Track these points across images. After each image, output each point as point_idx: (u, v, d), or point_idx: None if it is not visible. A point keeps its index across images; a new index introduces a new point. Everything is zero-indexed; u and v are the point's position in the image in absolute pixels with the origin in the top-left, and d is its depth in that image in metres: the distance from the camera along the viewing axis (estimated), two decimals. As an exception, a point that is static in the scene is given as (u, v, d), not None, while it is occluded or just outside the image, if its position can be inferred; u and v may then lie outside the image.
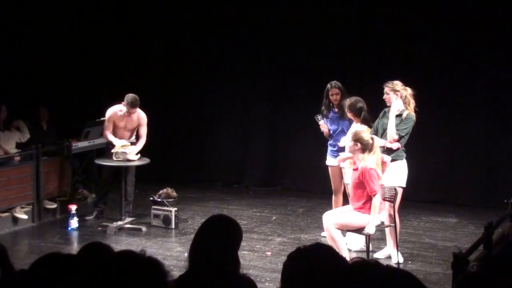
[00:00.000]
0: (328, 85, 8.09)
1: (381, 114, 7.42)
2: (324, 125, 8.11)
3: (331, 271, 2.54)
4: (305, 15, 10.49)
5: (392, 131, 7.15)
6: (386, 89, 7.25)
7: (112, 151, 8.55)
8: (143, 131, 8.78)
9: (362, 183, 6.63)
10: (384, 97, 7.30)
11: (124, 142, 8.60)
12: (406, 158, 7.33)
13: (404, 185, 7.21)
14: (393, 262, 7.14)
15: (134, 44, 11.41)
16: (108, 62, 11.29)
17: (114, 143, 8.57)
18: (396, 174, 7.16)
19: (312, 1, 10.54)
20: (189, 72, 11.29)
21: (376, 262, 2.21)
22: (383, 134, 7.26)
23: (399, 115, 7.21)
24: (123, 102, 8.53)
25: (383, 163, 6.98)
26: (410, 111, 7.20)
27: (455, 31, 9.73)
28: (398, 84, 7.23)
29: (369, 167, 6.59)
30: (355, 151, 6.72)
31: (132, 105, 8.49)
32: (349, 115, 7.58)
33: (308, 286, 2.57)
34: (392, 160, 7.15)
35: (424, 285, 2.18)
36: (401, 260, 7.23)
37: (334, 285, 2.42)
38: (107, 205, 9.16)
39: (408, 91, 7.25)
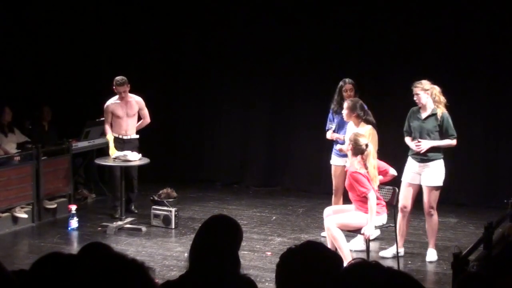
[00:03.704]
0: (342, 82, 8.04)
1: (409, 114, 7.36)
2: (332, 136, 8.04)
3: (324, 267, 2.56)
4: (305, 15, 10.49)
5: (447, 142, 7.16)
6: (415, 90, 7.13)
7: (112, 156, 8.54)
8: (145, 113, 8.98)
9: (353, 186, 6.69)
10: (414, 98, 7.19)
11: (120, 155, 8.55)
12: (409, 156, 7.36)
13: (442, 184, 7.25)
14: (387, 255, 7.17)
15: (134, 44, 11.41)
16: (108, 62, 11.29)
17: (108, 137, 8.73)
18: (435, 173, 7.19)
19: (312, 1, 10.54)
20: (189, 72, 11.29)
21: (376, 263, 2.21)
22: (420, 135, 7.22)
23: (432, 115, 7.18)
24: (113, 87, 8.70)
25: (385, 172, 6.97)
26: (442, 110, 7.17)
27: (455, 31, 9.73)
28: (427, 83, 7.19)
29: (352, 171, 6.65)
30: (347, 150, 6.82)
31: (119, 84, 8.63)
32: (351, 116, 7.51)
33: (302, 284, 2.58)
34: (431, 160, 7.16)
35: (424, 286, 2.19)
36: (433, 259, 7.37)
37: (328, 280, 2.43)
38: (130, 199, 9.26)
39: (437, 89, 7.22)
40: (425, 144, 7.11)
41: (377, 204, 6.68)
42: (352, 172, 6.63)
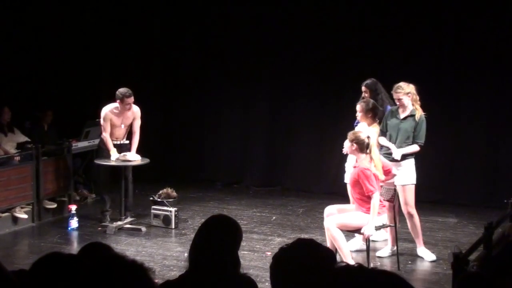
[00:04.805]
0: None
1: (387, 113, 7.40)
2: None
3: (317, 264, 2.58)
4: (305, 15, 10.50)
5: (414, 148, 7.19)
6: (398, 95, 7.18)
7: (112, 159, 8.49)
8: (137, 125, 8.71)
9: (358, 182, 6.67)
10: (397, 103, 7.25)
11: (120, 155, 8.50)
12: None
13: (415, 182, 7.28)
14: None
15: (134, 44, 11.41)
16: (108, 62, 11.30)
17: (111, 153, 8.51)
18: (407, 171, 7.21)
19: (312, 1, 10.54)
20: (189, 72, 11.29)
21: (360, 266, 2.21)
22: (397, 134, 7.24)
23: (411, 116, 7.20)
24: (117, 100, 8.45)
25: (388, 172, 6.97)
26: (420, 112, 7.19)
27: (456, 31, 9.73)
28: (406, 86, 7.20)
29: (363, 167, 6.63)
30: (353, 151, 6.78)
31: (129, 96, 8.40)
32: (367, 117, 7.49)
33: (297, 283, 2.58)
34: (403, 159, 7.18)
35: (412, 285, 2.19)
36: (433, 258, 7.38)
37: (322, 276, 2.43)
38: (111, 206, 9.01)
39: (413, 87, 7.25)
40: (398, 154, 7.15)
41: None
42: (364, 169, 6.62)
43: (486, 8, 9.57)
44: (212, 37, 11.09)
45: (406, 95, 7.17)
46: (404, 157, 7.21)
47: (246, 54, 10.88)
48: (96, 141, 9.87)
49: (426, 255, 7.39)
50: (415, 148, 7.22)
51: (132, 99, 8.47)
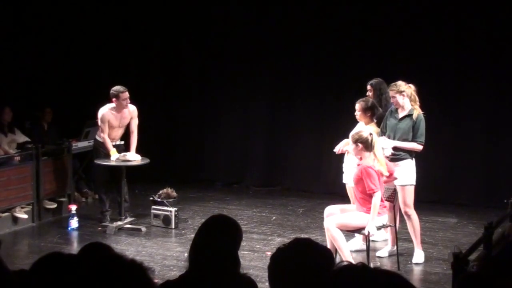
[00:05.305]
0: None
1: (387, 113, 7.38)
2: None
3: (315, 263, 2.59)
4: (305, 15, 10.50)
5: (413, 145, 7.15)
6: (391, 93, 7.19)
7: (112, 159, 8.47)
8: (135, 124, 8.68)
9: (362, 180, 6.67)
10: (391, 101, 7.26)
11: (120, 155, 8.49)
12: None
13: (414, 183, 7.24)
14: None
15: (134, 44, 11.41)
16: (108, 62, 11.29)
17: (111, 153, 8.48)
18: (406, 172, 7.18)
19: (312, 1, 10.54)
20: (189, 72, 11.29)
21: (362, 265, 2.21)
22: (395, 134, 7.23)
23: (408, 116, 7.19)
24: (113, 99, 8.40)
25: (391, 174, 6.94)
26: (418, 111, 7.16)
27: (456, 31, 9.73)
28: (402, 85, 7.19)
29: (366, 165, 6.63)
30: (358, 152, 6.74)
31: (124, 91, 8.36)
32: (366, 116, 7.48)
33: (296, 282, 2.58)
34: (402, 159, 7.16)
35: (414, 285, 2.19)
36: (419, 260, 7.31)
37: (321, 275, 2.44)
38: (111, 206, 8.98)
39: (412, 88, 7.23)
40: (389, 143, 7.12)
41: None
42: (367, 167, 6.62)
43: (486, 8, 9.57)
44: (212, 37, 11.09)
45: (400, 93, 7.14)
46: (402, 157, 7.17)
47: (246, 53, 10.88)
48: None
49: (416, 255, 7.34)
50: (413, 145, 7.17)
51: (127, 94, 8.44)
